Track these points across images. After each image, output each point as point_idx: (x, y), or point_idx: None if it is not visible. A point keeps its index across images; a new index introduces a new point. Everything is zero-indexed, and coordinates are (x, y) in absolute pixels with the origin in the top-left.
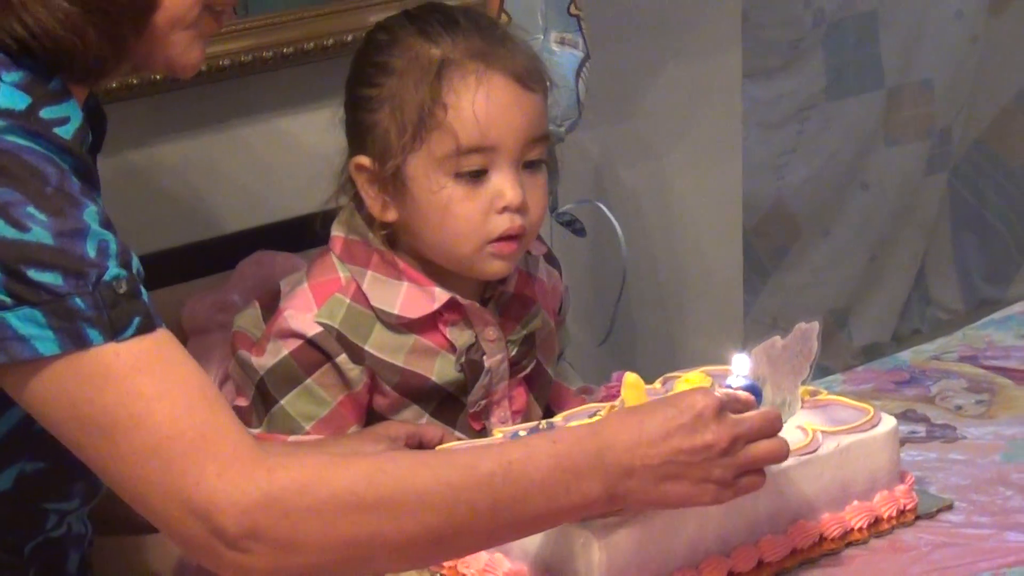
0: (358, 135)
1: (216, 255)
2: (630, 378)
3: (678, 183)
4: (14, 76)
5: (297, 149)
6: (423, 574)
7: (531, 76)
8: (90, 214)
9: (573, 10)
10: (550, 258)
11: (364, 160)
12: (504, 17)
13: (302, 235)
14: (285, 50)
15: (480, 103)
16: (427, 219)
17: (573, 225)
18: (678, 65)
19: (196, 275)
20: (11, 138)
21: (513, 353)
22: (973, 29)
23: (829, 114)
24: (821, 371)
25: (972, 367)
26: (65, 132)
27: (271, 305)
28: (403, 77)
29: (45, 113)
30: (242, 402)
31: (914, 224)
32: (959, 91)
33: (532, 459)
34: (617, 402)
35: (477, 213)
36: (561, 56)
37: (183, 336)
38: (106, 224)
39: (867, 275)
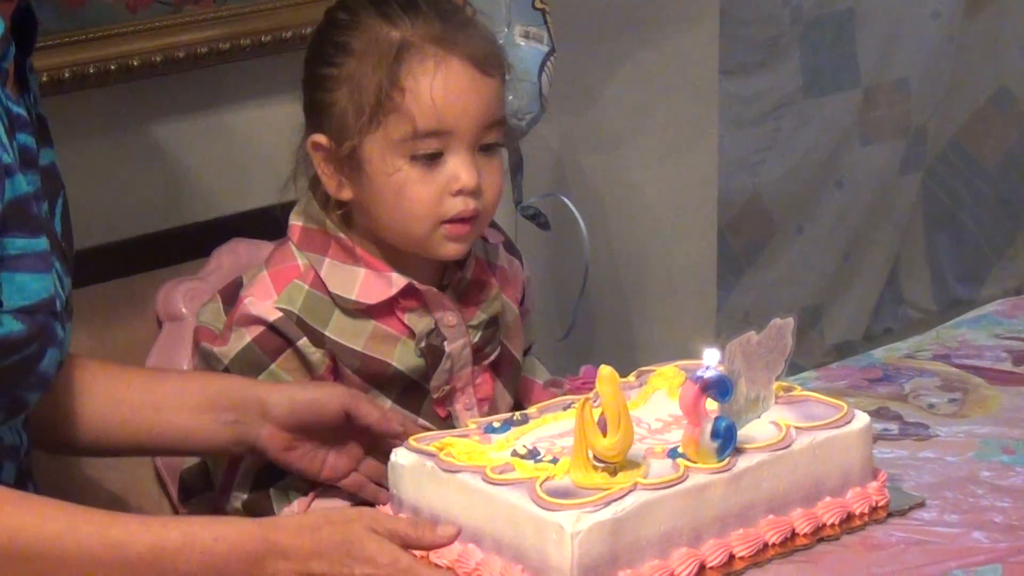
0: (316, 113)
1: (192, 242)
2: (605, 371)
3: (649, 178)
4: None
5: (275, 137)
6: None
7: (489, 61)
8: None
9: (538, 4)
10: (509, 247)
11: (321, 139)
12: (468, 9)
13: (278, 224)
14: (264, 38)
15: (438, 88)
16: (382, 200)
17: (537, 219)
18: (652, 60)
19: (172, 262)
20: None
21: (475, 339)
22: (949, 29)
23: (805, 112)
24: (793, 368)
25: (945, 366)
26: None
27: (232, 298)
28: (362, 59)
29: None
30: None
31: (888, 223)
32: (934, 91)
33: (184, 552)
34: (592, 394)
35: (432, 195)
36: (526, 50)
37: (157, 322)
38: None
39: (840, 273)
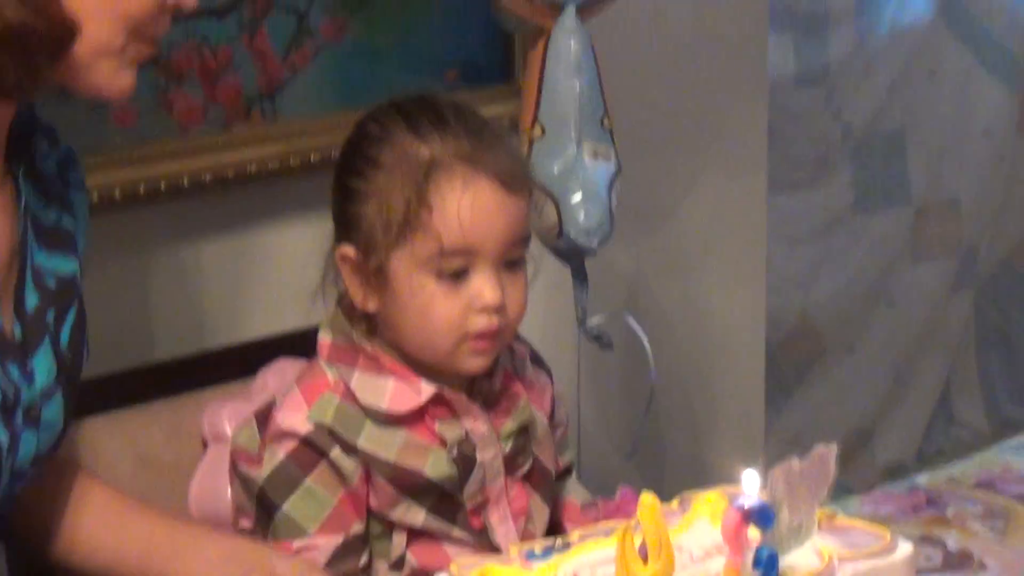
0: (345, 224)
1: (238, 361)
2: (646, 499)
3: (705, 297)
4: None
5: (323, 256)
6: None
7: (516, 180)
8: None
9: (606, 123)
10: (536, 359)
11: (349, 250)
12: (538, 128)
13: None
14: (312, 157)
15: (465, 207)
16: (407, 314)
17: (601, 339)
18: (706, 179)
19: (220, 381)
20: None
21: (507, 449)
22: (1000, 148)
23: (856, 229)
24: (842, 490)
25: (989, 493)
26: None
27: (267, 420)
28: (391, 173)
29: None
30: (246, 523)
31: (940, 342)
32: (986, 209)
33: None
34: (633, 522)
35: (456, 312)
36: (594, 169)
37: (203, 443)
38: None
39: (891, 393)
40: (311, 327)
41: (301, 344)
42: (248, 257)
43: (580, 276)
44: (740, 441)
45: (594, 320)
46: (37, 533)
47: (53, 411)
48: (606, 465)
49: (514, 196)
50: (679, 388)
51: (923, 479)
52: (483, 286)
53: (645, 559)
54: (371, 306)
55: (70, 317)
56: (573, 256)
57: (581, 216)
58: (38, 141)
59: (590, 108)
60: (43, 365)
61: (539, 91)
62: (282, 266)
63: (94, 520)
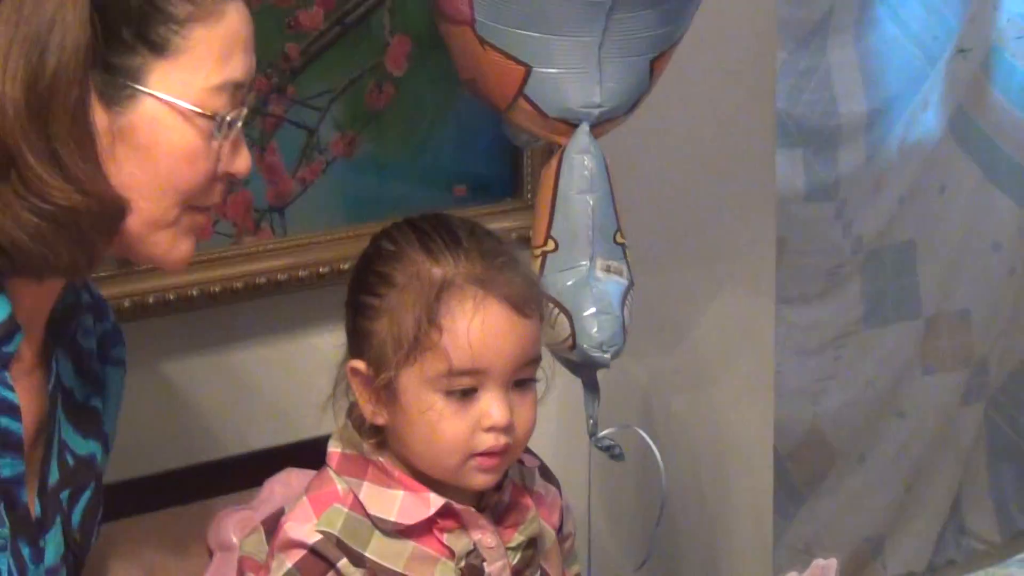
0: (357, 339)
1: (244, 471)
2: None
3: (716, 409)
4: None
5: (330, 367)
6: None
7: (527, 303)
8: None
9: (619, 238)
10: (545, 472)
11: (360, 365)
12: (551, 243)
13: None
14: (321, 268)
15: (475, 329)
16: (415, 431)
17: (611, 450)
18: (716, 294)
19: (224, 491)
20: None
21: (515, 561)
22: (1011, 261)
23: (866, 341)
24: None
25: None
26: None
27: (275, 528)
28: (403, 292)
29: None
30: None
31: (951, 453)
32: (996, 321)
33: None
34: None
35: (464, 431)
36: (607, 283)
37: (208, 552)
38: None
39: (903, 503)
40: (318, 437)
41: (308, 454)
42: (258, 368)
43: (592, 388)
44: (751, 551)
45: (605, 432)
46: None
47: None
48: None
49: (525, 318)
50: (690, 499)
51: None
52: (491, 406)
53: None
54: (380, 420)
55: (84, 497)
56: (585, 368)
57: (594, 330)
58: (83, 316)
59: (603, 224)
60: (53, 544)
61: (552, 206)
62: (289, 377)
63: None
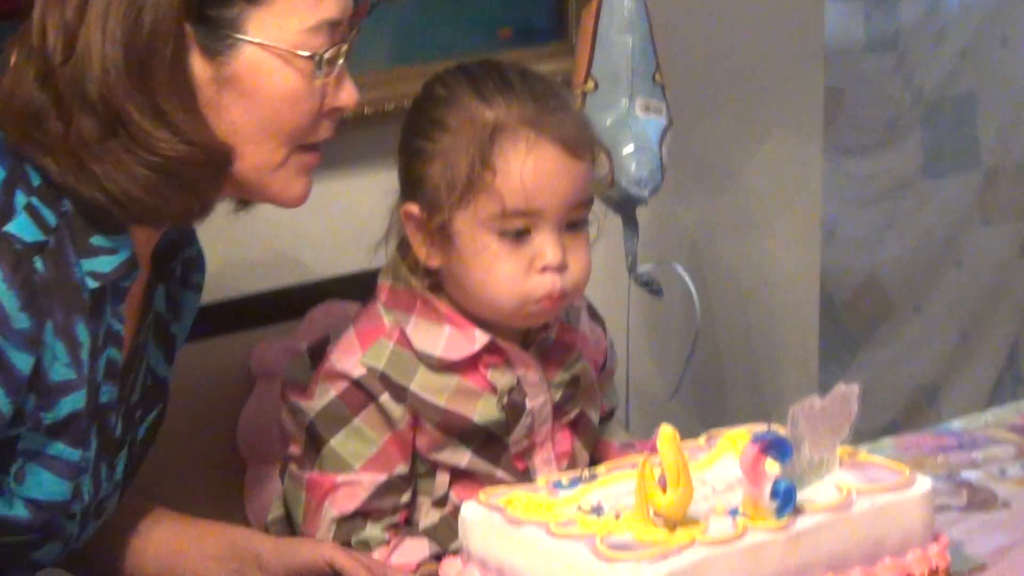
0: (410, 183)
1: (288, 303)
2: (666, 431)
3: (761, 254)
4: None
5: (371, 205)
6: None
7: (580, 144)
8: None
9: (658, 78)
10: (592, 313)
11: (414, 208)
12: (591, 83)
13: (370, 287)
14: (365, 109)
15: (528, 170)
16: (471, 272)
17: (651, 286)
18: (764, 141)
19: (268, 322)
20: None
21: (557, 397)
22: None
23: (925, 192)
24: None
25: (1018, 436)
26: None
27: (320, 355)
28: (456, 136)
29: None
30: (294, 449)
31: (1007, 304)
32: None
33: None
34: (657, 456)
35: (519, 271)
36: (646, 122)
37: (251, 380)
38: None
39: (958, 353)
40: (360, 272)
41: (351, 288)
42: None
43: (631, 225)
44: (794, 397)
45: (644, 268)
46: (103, 561)
47: (114, 503)
48: (647, 405)
49: (577, 160)
50: (735, 340)
51: (957, 424)
52: (544, 246)
53: (664, 489)
54: (434, 262)
55: (152, 415)
56: (624, 205)
57: (633, 167)
58: (182, 251)
59: (642, 64)
60: (122, 460)
61: (592, 47)
62: (332, 213)
63: (157, 546)
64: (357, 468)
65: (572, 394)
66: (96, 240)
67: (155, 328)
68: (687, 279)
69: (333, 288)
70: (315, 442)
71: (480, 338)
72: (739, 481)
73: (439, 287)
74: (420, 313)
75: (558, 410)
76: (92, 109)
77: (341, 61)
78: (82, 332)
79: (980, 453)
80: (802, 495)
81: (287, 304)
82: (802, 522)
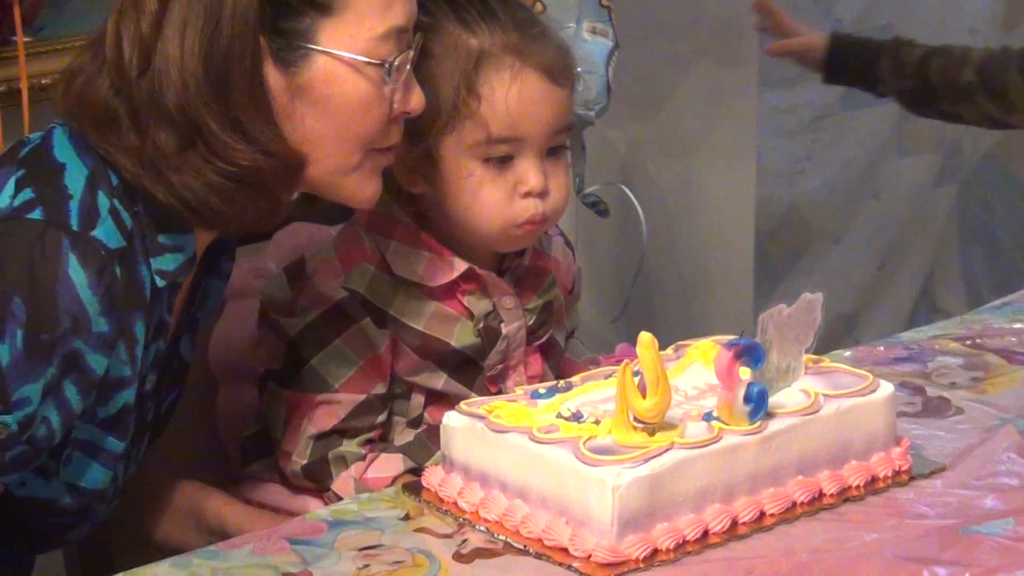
0: None
1: None
2: (645, 337)
3: (696, 179)
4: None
5: None
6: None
7: (562, 71)
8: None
9: (604, 2)
10: (565, 240)
11: None
12: (539, 6)
13: (334, 209)
14: None
15: (512, 97)
16: (456, 198)
17: (597, 206)
18: (699, 66)
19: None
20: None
21: (531, 322)
22: (987, 45)
23: (844, 124)
24: None
25: (968, 347)
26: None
27: (296, 274)
28: (441, 63)
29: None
30: (274, 366)
31: (923, 234)
32: None
33: None
34: (634, 362)
35: (502, 197)
36: (593, 44)
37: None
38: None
39: (876, 283)
40: None
41: (313, 210)
42: None
43: (579, 147)
44: (729, 321)
45: (591, 189)
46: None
47: (133, 470)
48: (592, 328)
49: (559, 87)
50: (669, 262)
51: (906, 336)
52: (527, 171)
53: (644, 394)
54: (417, 188)
55: (173, 395)
56: (572, 127)
57: (580, 88)
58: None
59: None
60: (146, 442)
61: None
62: None
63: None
64: (336, 387)
65: (545, 319)
66: (163, 239)
67: (190, 316)
68: (635, 201)
69: (298, 209)
70: (295, 360)
71: (458, 265)
72: (709, 388)
73: (420, 214)
74: (400, 239)
75: (531, 334)
76: (170, 121)
77: (409, 67)
78: (140, 328)
79: (931, 363)
80: (772, 400)
81: None
82: (773, 425)
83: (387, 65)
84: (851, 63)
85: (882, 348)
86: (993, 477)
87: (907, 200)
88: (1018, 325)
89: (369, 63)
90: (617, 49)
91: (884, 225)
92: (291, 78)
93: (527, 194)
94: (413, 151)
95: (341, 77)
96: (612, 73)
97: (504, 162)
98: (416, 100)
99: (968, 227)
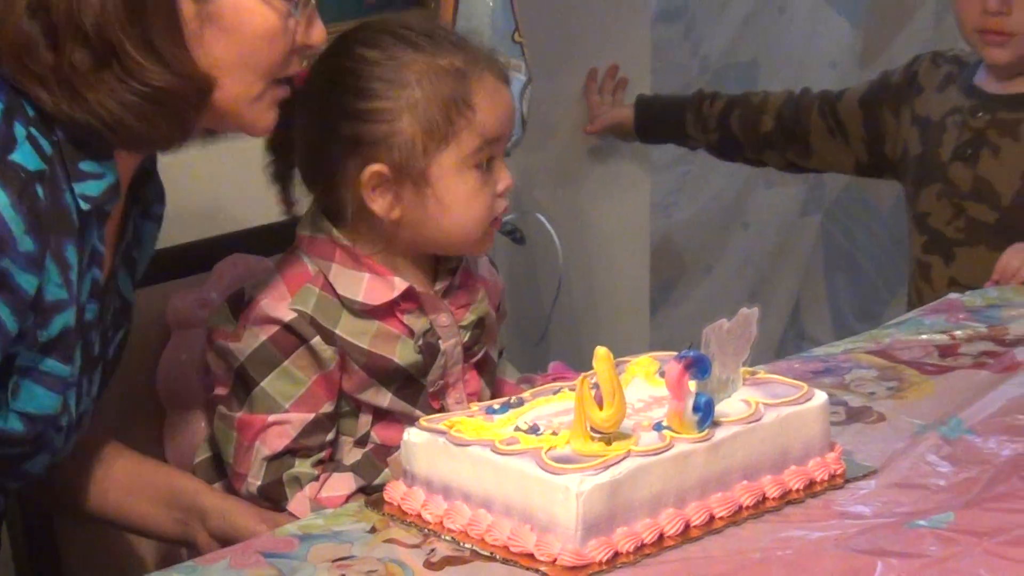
0: (367, 145)
1: (197, 257)
2: (600, 351)
3: (595, 205)
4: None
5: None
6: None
7: (506, 73)
8: None
9: (517, 38)
10: (490, 260)
11: (380, 168)
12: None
13: (271, 241)
14: None
15: (497, 100)
16: (448, 212)
17: (514, 234)
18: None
19: (179, 275)
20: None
21: (466, 338)
22: (845, 79)
23: (711, 157)
24: None
25: (881, 359)
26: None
27: (238, 303)
28: (420, 87)
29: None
30: (221, 391)
31: (791, 263)
32: None
33: None
34: (590, 373)
35: (489, 198)
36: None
37: (167, 329)
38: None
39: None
40: (262, 226)
41: (251, 242)
42: (200, 164)
43: None
44: (631, 339)
45: (508, 218)
46: (67, 493)
47: (90, 417)
48: (515, 351)
49: (508, 86)
50: (578, 284)
51: (820, 351)
52: (502, 170)
53: (600, 406)
54: (395, 214)
55: (119, 336)
56: None
57: None
58: (151, 181)
59: (502, 25)
60: (98, 377)
61: (455, 7)
62: (230, 172)
63: (103, 470)
64: (287, 408)
65: (479, 336)
66: (85, 165)
67: (124, 254)
68: (550, 228)
69: (237, 241)
70: (245, 384)
71: (399, 285)
72: (654, 400)
73: (357, 236)
74: (340, 261)
75: (466, 351)
76: (86, 40)
77: (312, 1)
78: (72, 254)
79: (847, 376)
80: (716, 410)
81: (195, 258)
82: (720, 433)
83: None
84: (658, 124)
85: (798, 363)
86: (922, 478)
87: (774, 230)
88: (923, 337)
89: None
90: (530, 83)
91: (754, 254)
92: (202, 5)
93: (503, 192)
94: (402, 178)
95: (249, 8)
96: (526, 106)
97: (487, 166)
98: (317, 33)
99: (832, 256)
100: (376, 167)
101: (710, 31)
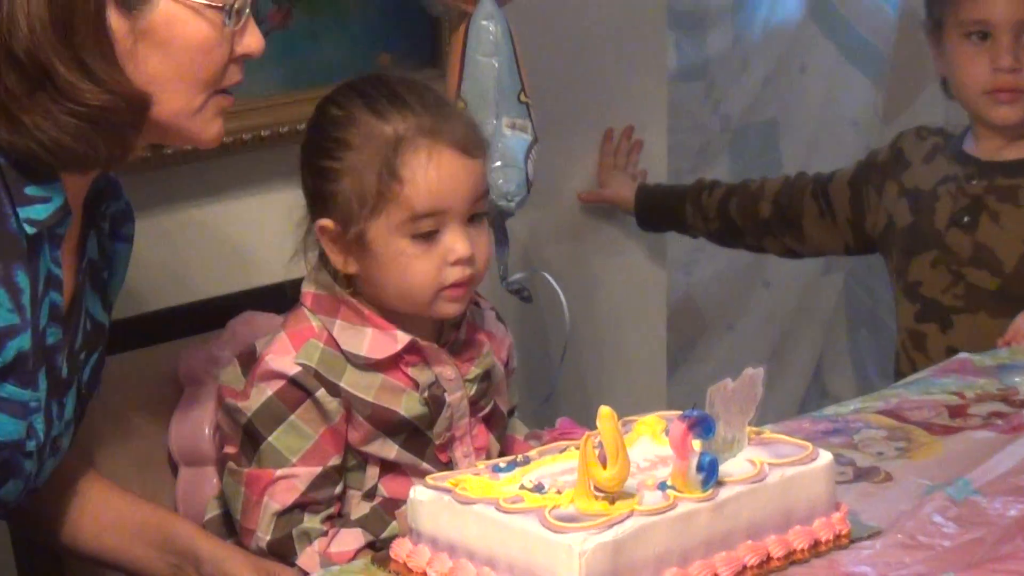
0: (320, 200)
1: (209, 315)
2: (604, 411)
3: (608, 263)
4: None
5: (277, 221)
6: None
7: (474, 145)
8: None
9: (523, 98)
10: (497, 315)
11: (327, 223)
12: (460, 103)
13: (283, 298)
14: (263, 132)
15: (432, 176)
16: (388, 274)
17: (521, 293)
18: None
19: (191, 332)
20: None
21: (472, 392)
22: (867, 137)
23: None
24: None
25: (890, 419)
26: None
27: (249, 361)
28: (360, 152)
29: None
30: (231, 449)
31: (813, 321)
32: None
33: None
34: (594, 432)
35: (433, 268)
36: (512, 139)
37: (180, 386)
38: None
39: (768, 369)
40: (273, 284)
41: (263, 299)
42: (215, 222)
43: (501, 236)
44: (645, 398)
45: (515, 276)
46: (47, 521)
47: (67, 440)
48: (522, 410)
49: (472, 159)
50: (589, 343)
51: (830, 410)
52: (455, 241)
53: (604, 465)
54: (352, 269)
55: (94, 357)
56: (495, 218)
57: (500, 181)
58: (109, 198)
59: (508, 85)
60: (71, 399)
61: (461, 69)
62: (242, 230)
63: (95, 509)
64: (294, 462)
65: (485, 389)
66: (30, 190)
67: (90, 275)
68: (556, 287)
69: (249, 299)
70: (253, 440)
71: (402, 338)
72: (660, 459)
73: (359, 292)
74: (344, 316)
75: (474, 405)
76: (18, 65)
77: (248, 11)
78: (22, 278)
79: (856, 436)
80: (721, 469)
81: (208, 315)
82: (724, 492)
83: (227, 8)
84: (658, 215)
85: (808, 423)
86: (927, 538)
87: (796, 288)
88: (932, 398)
89: (210, 6)
90: (536, 143)
91: (775, 313)
92: (133, 21)
93: (456, 262)
94: (345, 236)
95: (182, 20)
96: (531, 166)
97: (431, 236)
98: (254, 42)
99: (855, 314)
100: (324, 222)
101: (731, 90)
